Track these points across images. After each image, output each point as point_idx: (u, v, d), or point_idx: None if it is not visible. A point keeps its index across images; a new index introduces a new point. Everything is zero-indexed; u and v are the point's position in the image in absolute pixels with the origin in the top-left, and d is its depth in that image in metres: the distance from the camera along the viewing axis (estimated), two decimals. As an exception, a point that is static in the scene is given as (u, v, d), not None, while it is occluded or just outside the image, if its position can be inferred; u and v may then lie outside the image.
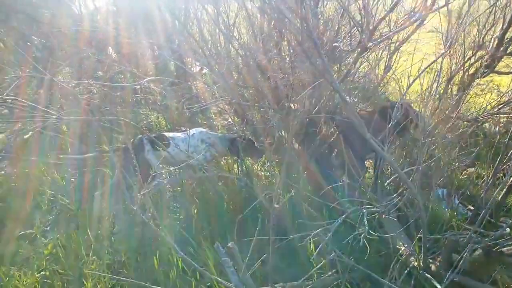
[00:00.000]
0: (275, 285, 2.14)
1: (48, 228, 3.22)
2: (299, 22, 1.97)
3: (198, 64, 5.79)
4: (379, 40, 2.58)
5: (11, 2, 6.01)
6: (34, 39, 6.26)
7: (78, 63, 5.75)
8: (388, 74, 4.31)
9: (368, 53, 3.45)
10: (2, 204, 3.46)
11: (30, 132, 3.24)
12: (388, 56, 4.02)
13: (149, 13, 5.75)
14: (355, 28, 2.63)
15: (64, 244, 2.90)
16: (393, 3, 2.39)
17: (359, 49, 2.63)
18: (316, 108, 2.97)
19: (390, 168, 3.08)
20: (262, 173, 3.81)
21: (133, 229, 3.02)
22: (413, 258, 2.18)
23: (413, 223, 2.33)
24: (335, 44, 3.28)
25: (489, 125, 4.28)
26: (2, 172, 3.95)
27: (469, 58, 3.99)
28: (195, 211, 3.11)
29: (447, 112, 3.73)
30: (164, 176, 3.39)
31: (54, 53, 5.92)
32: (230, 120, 4.99)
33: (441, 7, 2.74)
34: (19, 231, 3.12)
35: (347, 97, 4.36)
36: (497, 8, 3.77)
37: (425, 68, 3.19)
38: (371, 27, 2.40)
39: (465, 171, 3.58)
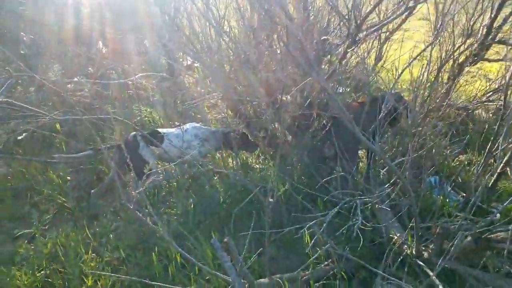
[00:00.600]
0: (273, 276, 2.19)
1: (46, 227, 3.23)
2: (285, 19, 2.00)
3: (189, 58, 5.79)
4: (367, 33, 2.60)
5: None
6: (22, 35, 6.18)
7: (68, 60, 5.72)
8: (379, 63, 4.35)
9: (358, 46, 3.46)
10: (0, 205, 3.47)
11: (24, 134, 3.23)
12: (379, 46, 4.05)
13: (137, 7, 5.72)
14: (345, 20, 2.65)
15: (63, 243, 2.93)
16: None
17: (348, 42, 2.65)
18: (308, 101, 3.00)
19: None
20: (257, 166, 3.85)
21: (131, 225, 3.05)
22: (406, 246, 2.24)
23: (405, 212, 2.39)
24: (325, 37, 3.30)
25: (479, 112, 4.34)
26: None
27: (459, 47, 4.03)
28: (192, 206, 3.14)
29: (437, 101, 3.79)
30: (159, 172, 3.42)
31: (42, 50, 5.87)
32: (223, 113, 5.02)
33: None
34: (17, 231, 3.14)
35: (340, 88, 4.42)
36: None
37: (414, 58, 3.25)
38: (358, 21, 2.42)
39: (456, 158, 3.65)
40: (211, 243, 1.86)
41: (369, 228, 2.18)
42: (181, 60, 6.06)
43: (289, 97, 3.36)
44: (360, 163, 3.52)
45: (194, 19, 4.51)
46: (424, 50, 3.39)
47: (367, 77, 4.32)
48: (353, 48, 2.73)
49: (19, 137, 3.22)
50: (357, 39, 2.59)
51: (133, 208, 1.92)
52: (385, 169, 2.92)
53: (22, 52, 5.75)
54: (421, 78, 3.31)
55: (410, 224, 2.22)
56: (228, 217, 3.02)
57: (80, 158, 3.40)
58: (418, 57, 3.35)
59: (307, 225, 2.10)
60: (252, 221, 2.84)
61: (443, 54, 3.97)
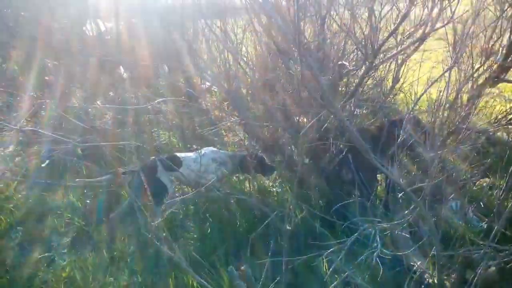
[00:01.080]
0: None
1: (65, 251, 3.27)
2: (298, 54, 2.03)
3: (206, 82, 5.90)
4: (384, 58, 2.61)
5: (24, 24, 6.20)
6: (47, 62, 6.43)
7: (90, 86, 5.90)
8: (397, 85, 4.33)
9: (374, 71, 3.47)
10: (21, 227, 3.54)
11: (47, 161, 3.33)
12: (396, 68, 4.05)
13: (156, 33, 5.89)
14: (360, 46, 2.67)
15: (82, 266, 2.96)
16: (397, 23, 2.43)
17: (365, 67, 2.67)
18: (325, 126, 3.01)
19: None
20: (274, 189, 3.84)
21: (148, 250, 3.06)
22: (427, 275, 2.18)
23: (426, 239, 2.33)
24: (341, 62, 3.33)
25: (501, 134, 4.25)
26: (20, 195, 4.05)
27: (478, 69, 3.99)
28: (209, 230, 3.14)
29: (457, 124, 3.73)
30: (177, 195, 3.45)
31: (66, 76, 6.08)
32: (240, 137, 5.06)
33: (446, 24, 2.78)
34: (38, 254, 3.19)
35: (356, 111, 4.40)
36: (503, 19, 3.78)
37: (432, 83, 3.20)
38: (376, 47, 2.44)
39: (478, 182, 3.56)
40: (228, 271, 1.85)
41: (388, 256, 2.13)
42: (199, 84, 6.18)
43: (305, 120, 3.38)
44: (378, 187, 3.48)
45: (212, 44, 4.64)
46: (442, 74, 3.35)
47: (384, 100, 4.32)
48: (370, 73, 2.74)
49: (43, 164, 3.31)
50: (373, 64, 2.60)
51: (151, 236, 1.94)
52: (402, 194, 2.86)
53: (46, 78, 5.97)
54: (439, 100, 3.29)
55: (431, 252, 2.16)
56: (245, 241, 3.00)
57: (101, 182, 3.46)
58: (435, 82, 3.32)
59: (325, 253, 2.06)
60: (268, 246, 2.84)
61: (462, 75, 3.93)
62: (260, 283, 1.99)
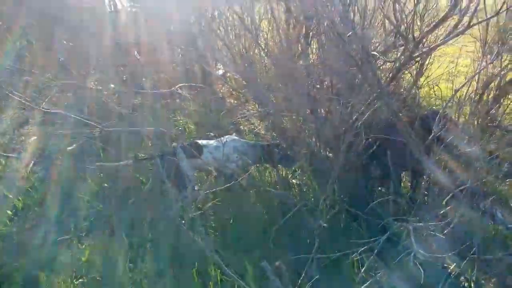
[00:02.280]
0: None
1: (83, 234, 3.23)
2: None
3: (221, 68, 5.80)
4: (425, 49, 2.50)
5: (43, 5, 6.10)
6: (63, 42, 6.34)
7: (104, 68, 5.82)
8: (421, 79, 4.21)
9: (413, 64, 3.32)
10: (39, 209, 3.51)
11: (74, 145, 3.27)
12: (420, 62, 3.91)
13: (172, 13, 5.76)
14: (398, 37, 2.56)
15: (101, 251, 2.93)
16: (446, 11, 2.30)
17: (403, 59, 2.56)
18: (355, 117, 2.91)
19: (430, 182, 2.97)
20: (294, 181, 3.77)
21: (169, 237, 3.02)
22: (463, 278, 2.11)
23: (461, 240, 2.25)
24: (373, 52, 3.21)
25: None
26: (36, 175, 4.02)
27: (506, 65, 3.85)
28: (231, 221, 3.08)
29: (486, 122, 3.62)
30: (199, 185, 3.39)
31: (81, 57, 6.00)
32: (256, 125, 4.97)
33: (484, 21, 2.65)
34: (56, 237, 3.16)
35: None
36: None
37: (470, 79, 3.06)
38: (417, 38, 2.33)
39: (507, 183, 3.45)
40: (262, 265, 1.79)
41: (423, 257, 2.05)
42: (214, 70, 6.08)
43: (331, 111, 3.27)
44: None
45: (230, 27, 4.53)
46: (477, 73, 3.20)
47: (410, 92, 4.19)
48: (408, 65, 2.63)
49: (69, 148, 3.25)
50: (413, 55, 2.49)
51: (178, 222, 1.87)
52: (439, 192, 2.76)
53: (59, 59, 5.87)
54: (465, 96, 3.19)
55: (469, 255, 2.08)
56: (266, 233, 2.94)
57: (120, 167, 3.41)
58: (459, 74, 3.19)
59: (359, 251, 2.00)
60: (290, 238, 2.78)
61: (489, 72, 3.79)
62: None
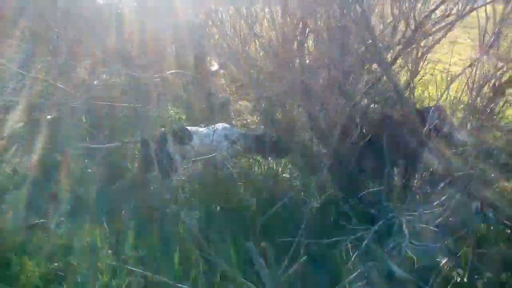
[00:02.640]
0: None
1: (62, 219, 3.09)
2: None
3: (216, 63, 5.71)
4: (428, 32, 2.42)
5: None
6: (57, 30, 6.17)
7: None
8: (415, 79, 4.15)
9: (412, 48, 3.25)
10: (17, 191, 3.36)
11: (55, 113, 3.11)
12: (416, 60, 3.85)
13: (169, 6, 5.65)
14: (399, 19, 2.48)
15: (79, 236, 2.80)
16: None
17: (403, 42, 2.49)
18: (347, 109, 2.83)
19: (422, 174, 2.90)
20: (285, 175, 3.67)
21: (151, 224, 2.90)
22: (455, 273, 2.02)
23: (453, 234, 2.17)
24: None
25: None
26: (17, 159, 3.86)
27: (503, 66, 3.81)
28: (217, 209, 2.98)
29: (482, 122, 3.56)
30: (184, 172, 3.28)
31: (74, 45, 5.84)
32: (248, 119, 4.88)
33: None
34: (33, 220, 3.01)
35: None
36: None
37: (465, 68, 3.00)
38: (419, 19, 2.25)
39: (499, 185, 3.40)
40: (248, 246, 1.69)
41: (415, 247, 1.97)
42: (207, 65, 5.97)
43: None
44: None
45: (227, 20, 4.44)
46: (473, 63, 3.14)
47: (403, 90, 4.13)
48: (407, 49, 2.57)
49: (49, 116, 3.08)
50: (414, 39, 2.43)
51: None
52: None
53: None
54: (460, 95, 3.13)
55: (462, 249, 2.00)
56: (253, 225, 2.84)
57: (104, 150, 3.28)
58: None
59: (349, 238, 1.90)
60: (278, 231, 2.68)
61: (486, 70, 3.74)
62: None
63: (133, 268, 2.18)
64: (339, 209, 2.59)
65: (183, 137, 3.19)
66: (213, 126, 3.36)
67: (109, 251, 2.68)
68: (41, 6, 5.71)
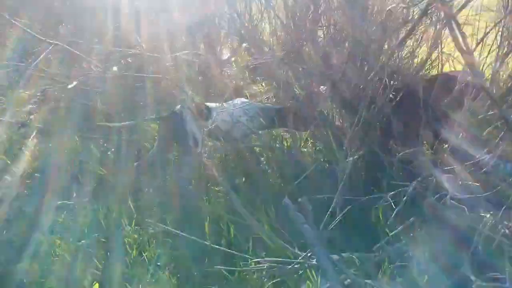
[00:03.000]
0: (343, 254, 1.93)
1: (87, 200, 3.06)
2: None
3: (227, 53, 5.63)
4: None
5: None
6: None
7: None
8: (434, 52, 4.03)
9: (427, 19, 3.15)
10: (40, 175, 3.35)
11: (74, 82, 3.05)
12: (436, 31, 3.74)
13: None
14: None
15: (105, 214, 2.78)
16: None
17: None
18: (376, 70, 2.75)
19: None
20: (305, 149, 3.60)
21: (177, 200, 2.86)
22: (501, 226, 1.93)
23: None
24: (390, 8, 3.05)
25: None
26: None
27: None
28: (242, 183, 2.92)
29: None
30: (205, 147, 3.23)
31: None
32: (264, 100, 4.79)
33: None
34: (58, 201, 2.99)
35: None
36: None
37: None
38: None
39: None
40: (284, 202, 1.62)
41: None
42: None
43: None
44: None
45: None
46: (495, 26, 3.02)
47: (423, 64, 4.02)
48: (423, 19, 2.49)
49: (70, 86, 3.02)
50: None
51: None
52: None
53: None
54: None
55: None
56: (278, 198, 2.78)
57: (123, 127, 3.25)
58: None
59: (389, 195, 1.83)
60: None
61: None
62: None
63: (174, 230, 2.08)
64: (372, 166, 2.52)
65: (202, 113, 3.13)
66: (231, 101, 3.30)
67: (136, 227, 2.66)
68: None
